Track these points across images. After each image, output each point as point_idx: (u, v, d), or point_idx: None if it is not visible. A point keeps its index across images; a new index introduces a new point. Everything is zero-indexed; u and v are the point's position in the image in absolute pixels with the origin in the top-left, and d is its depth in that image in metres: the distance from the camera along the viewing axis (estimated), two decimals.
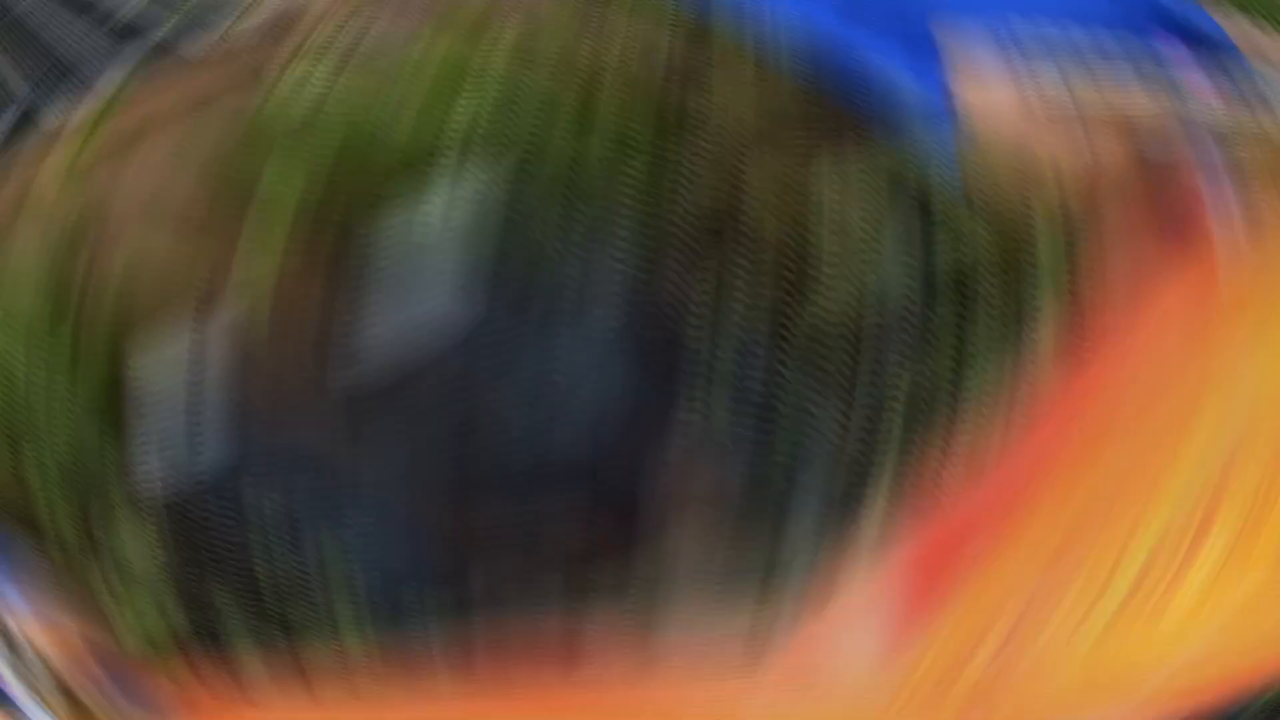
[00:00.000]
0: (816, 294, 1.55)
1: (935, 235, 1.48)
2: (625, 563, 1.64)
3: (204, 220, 2.10)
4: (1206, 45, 0.90)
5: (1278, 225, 0.76)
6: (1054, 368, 0.83)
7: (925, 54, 0.90)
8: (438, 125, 1.77)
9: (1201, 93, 0.78)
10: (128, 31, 3.74)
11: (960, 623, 0.63)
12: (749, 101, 1.66)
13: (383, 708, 0.73)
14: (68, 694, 0.83)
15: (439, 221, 1.72)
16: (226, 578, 1.81)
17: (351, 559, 1.79)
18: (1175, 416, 0.68)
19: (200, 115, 2.24)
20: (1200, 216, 0.75)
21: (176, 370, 1.93)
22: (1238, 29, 0.99)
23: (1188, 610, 0.59)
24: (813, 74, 1.04)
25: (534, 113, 1.72)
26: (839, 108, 1.52)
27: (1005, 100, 0.79)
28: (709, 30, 1.90)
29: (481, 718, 0.65)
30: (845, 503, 1.39)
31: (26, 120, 3.34)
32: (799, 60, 1.06)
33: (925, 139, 0.91)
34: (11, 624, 0.99)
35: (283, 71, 1.64)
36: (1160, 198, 0.78)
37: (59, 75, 3.55)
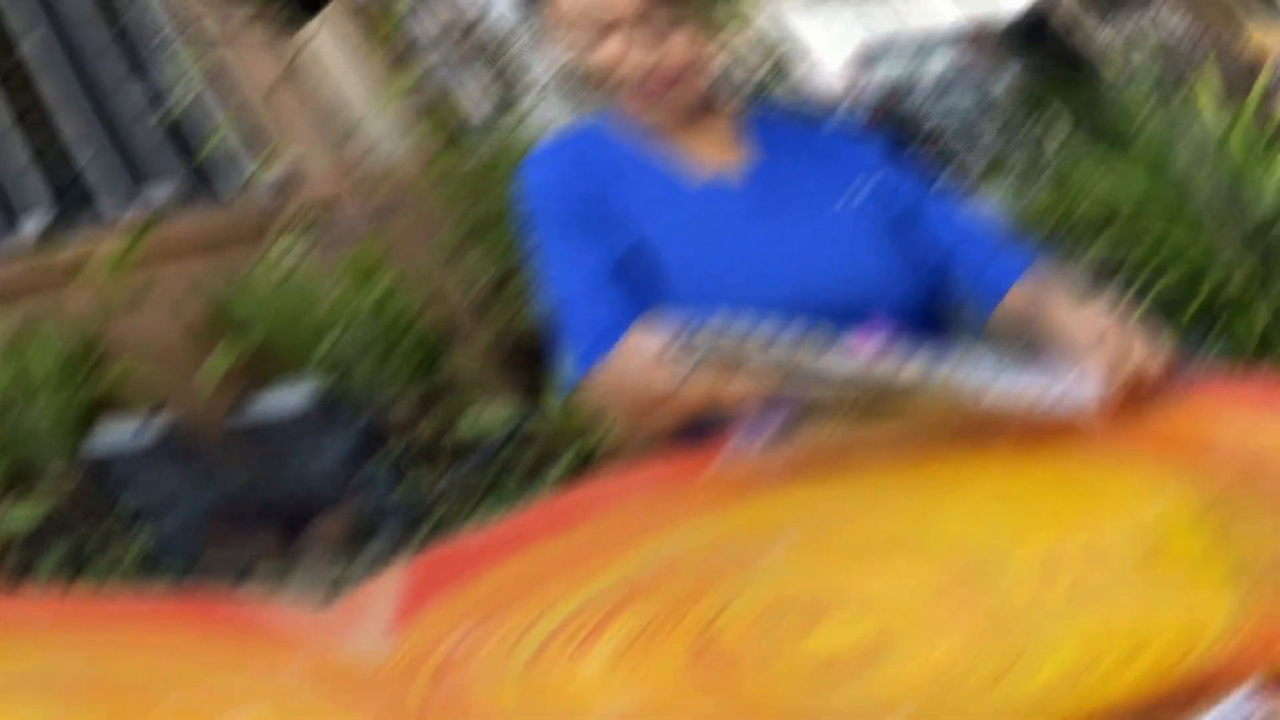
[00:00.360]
0: (447, 443, 3.18)
1: (523, 429, 3.17)
2: (283, 560, 3.32)
3: (184, 350, 3.88)
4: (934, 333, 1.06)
5: (826, 452, 1.01)
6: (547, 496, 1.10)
7: (624, 319, 1.17)
8: (318, 340, 3.41)
9: (847, 356, 0.95)
10: (171, 134, 4.65)
11: (426, 630, 0.82)
12: (475, 361, 3.44)
13: (109, 604, 0.97)
14: None
15: (301, 386, 3.49)
16: (88, 517, 3.25)
17: (159, 527, 3.30)
18: (610, 548, 0.92)
19: (215, 255, 4.07)
20: (727, 433, 1.02)
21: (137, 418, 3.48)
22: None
23: (596, 680, 0.73)
24: (543, 331, 1.33)
25: (361, 349, 3.23)
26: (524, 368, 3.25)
27: (640, 354, 1.02)
28: (504, 285, 3.64)
29: (167, 616, 0.89)
30: (403, 539, 3.08)
31: (79, 205, 4.30)
32: (541, 316, 1.35)
33: (560, 387, 1.30)
34: None
35: (275, 238, 2.33)
36: (703, 420, 1.06)
37: (118, 172, 4.47)
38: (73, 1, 4.77)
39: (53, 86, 4.48)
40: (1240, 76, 2.97)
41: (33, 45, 4.41)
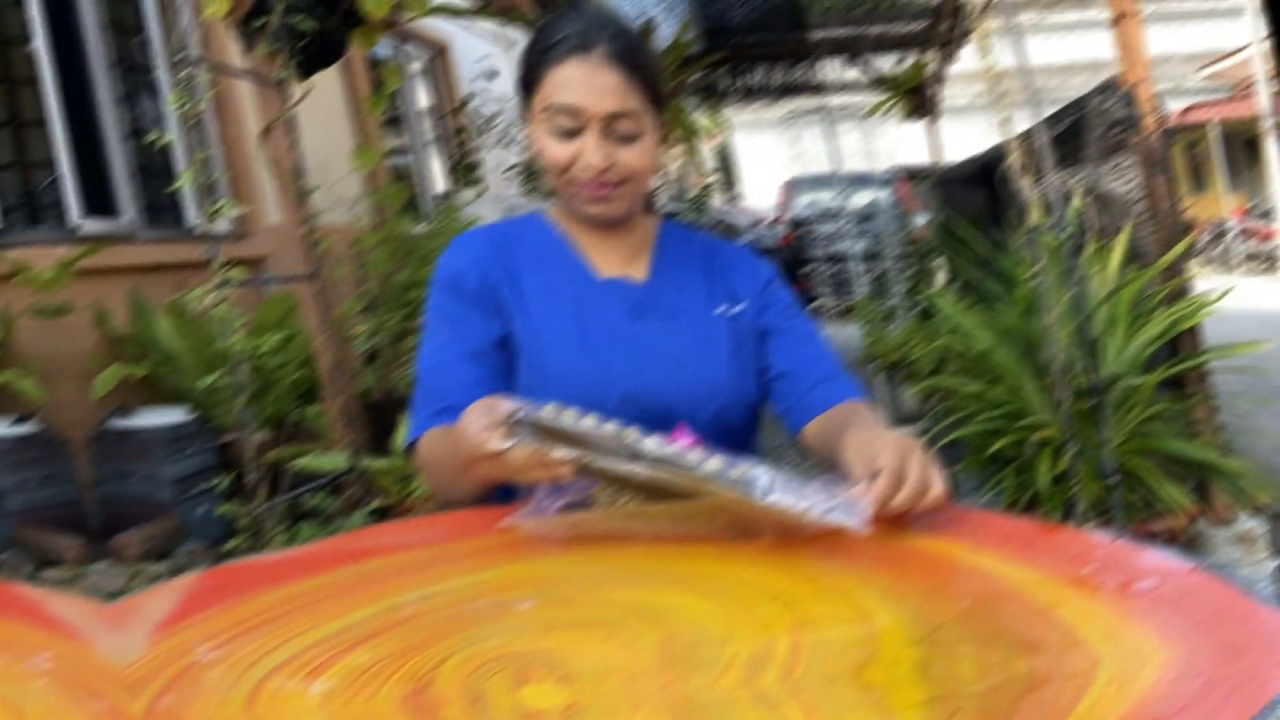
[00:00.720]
0: (279, 477, 3.20)
1: (348, 475, 3.30)
2: (81, 567, 3.46)
3: (89, 362, 4.03)
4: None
5: (595, 524, 1.07)
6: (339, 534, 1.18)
7: (472, 395, 1.19)
8: (208, 373, 3.27)
9: (655, 446, 1.01)
10: (157, 158, 4.79)
11: (178, 642, 0.85)
12: (335, 412, 3.40)
13: None
14: None
15: (175, 410, 3.88)
16: None
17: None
18: (370, 588, 0.97)
19: (154, 281, 4.40)
20: (524, 507, 1.08)
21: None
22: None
23: (309, 711, 0.74)
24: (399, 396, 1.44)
25: (240, 386, 2.97)
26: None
27: (472, 426, 1.06)
28: (380, 352, 4.05)
29: None
30: (202, 555, 3.47)
31: (45, 214, 4.42)
32: (401, 382, 1.44)
33: (403, 444, 1.41)
34: None
35: (212, 274, 2.35)
36: (509, 487, 1.12)
37: (91, 188, 4.50)
38: (83, 15, 4.81)
39: (46, 95, 4.50)
40: (1171, 240, 3.07)
41: (33, 52, 4.44)
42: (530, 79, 1.36)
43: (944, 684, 0.75)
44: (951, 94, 8.43)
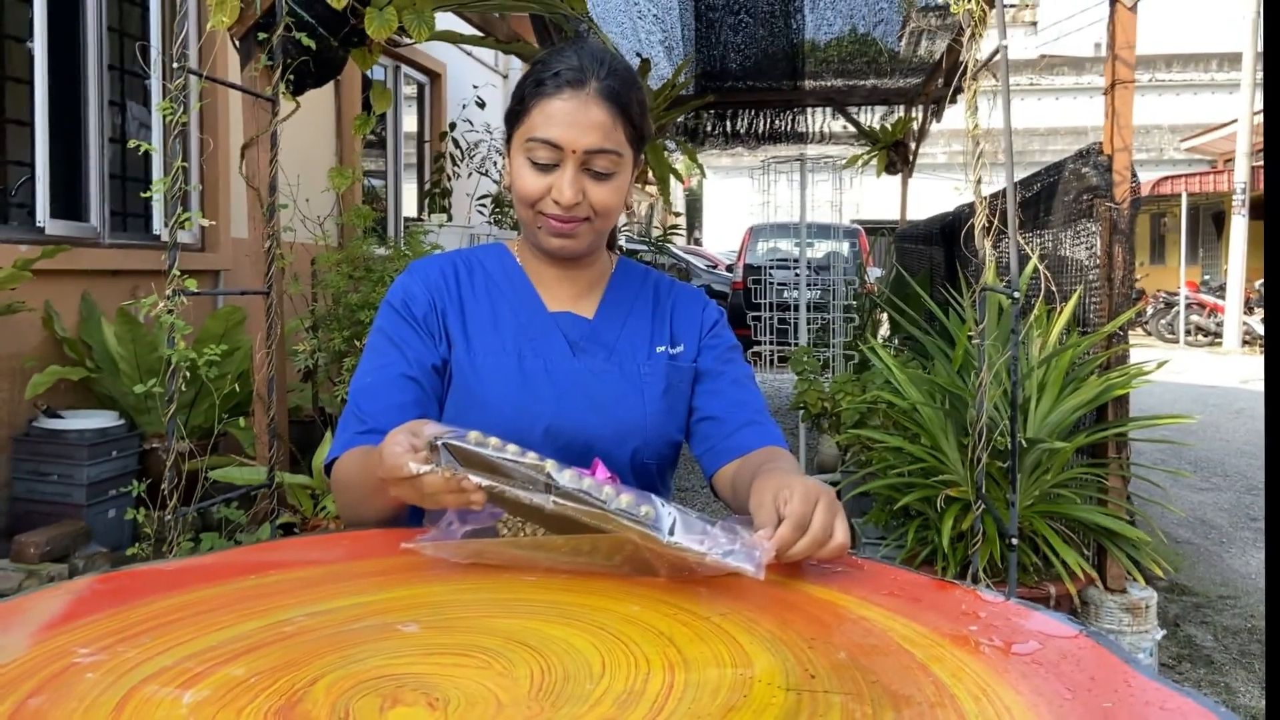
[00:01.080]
0: (195, 486, 3.03)
1: (259, 490, 3.15)
2: None
3: (31, 360, 3.98)
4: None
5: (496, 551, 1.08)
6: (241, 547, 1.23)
7: (398, 418, 1.23)
8: (146, 379, 3.19)
9: (570, 478, 1.01)
10: (132, 167, 4.70)
11: (58, 644, 0.85)
12: (262, 426, 3.20)
13: None
14: None
15: (105, 414, 3.89)
16: None
17: None
18: (259, 602, 0.96)
19: (102, 283, 4.35)
20: (428, 530, 1.10)
21: None
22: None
23: (184, 716, 0.74)
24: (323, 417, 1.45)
25: (181, 393, 2.83)
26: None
27: (398, 445, 1.06)
28: (316, 372, 4.09)
29: None
30: (113, 556, 3.42)
31: (18, 212, 4.31)
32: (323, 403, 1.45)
33: (325, 462, 1.41)
34: None
35: (166, 283, 2.33)
36: (429, 518, 1.12)
37: (68, 189, 4.49)
38: (86, 17, 4.80)
39: (36, 95, 4.48)
40: (1119, 308, 3.10)
41: (28, 51, 4.43)
42: (520, 109, 1.36)
43: None
44: (928, 151, 8.52)
